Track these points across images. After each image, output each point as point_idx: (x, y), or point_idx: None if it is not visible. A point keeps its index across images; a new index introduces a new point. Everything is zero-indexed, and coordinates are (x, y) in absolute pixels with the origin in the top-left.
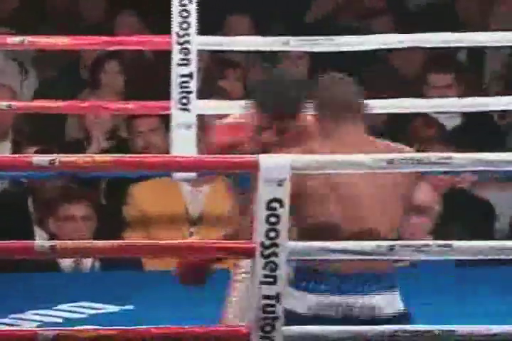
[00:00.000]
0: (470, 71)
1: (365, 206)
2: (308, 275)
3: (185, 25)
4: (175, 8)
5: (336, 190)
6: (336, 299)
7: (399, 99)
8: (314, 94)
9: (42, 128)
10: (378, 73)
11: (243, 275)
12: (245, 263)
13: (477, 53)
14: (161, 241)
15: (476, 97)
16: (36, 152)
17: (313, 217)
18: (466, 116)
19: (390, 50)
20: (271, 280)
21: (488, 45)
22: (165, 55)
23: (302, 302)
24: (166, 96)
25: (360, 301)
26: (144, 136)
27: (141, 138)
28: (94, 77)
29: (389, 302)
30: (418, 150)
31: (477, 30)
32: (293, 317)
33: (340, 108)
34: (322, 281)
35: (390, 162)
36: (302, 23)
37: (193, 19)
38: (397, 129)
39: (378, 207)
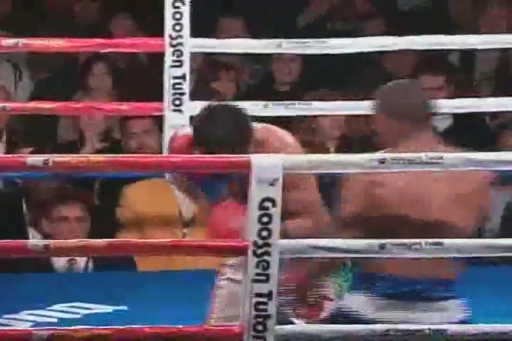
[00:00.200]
0: (461, 73)
1: (435, 207)
2: (368, 279)
3: (178, 27)
4: (168, 10)
5: (405, 196)
6: (396, 303)
7: None
8: (387, 101)
9: (35, 129)
10: (370, 76)
11: (225, 282)
12: (227, 270)
13: (468, 55)
14: (154, 240)
15: (467, 99)
16: (31, 153)
17: (385, 221)
18: (457, 117)
19: (382, 53)
20: (263, 278)
21: (479, 47)
22: (158, 57)
23: (364, 305)
24: (159, 97)
25: (419, 307)
26: (137, 138)
27: (134, 139)
28: (83, 79)
29: (450, 309)
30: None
31: (468, 33)
32: (356, 320)
33: (417, 115)
34: (382, 285)
35: (382, 161)
36: (294, 27)
37: (186, 21)
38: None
39: (451, 209)
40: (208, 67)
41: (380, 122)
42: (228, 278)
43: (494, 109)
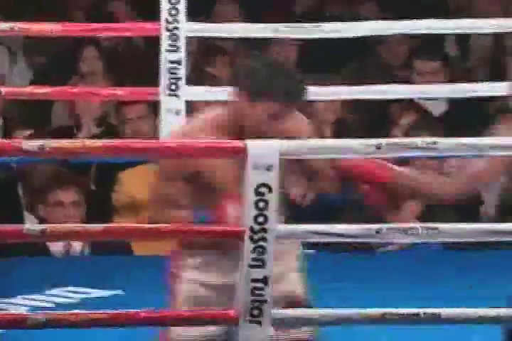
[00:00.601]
0: (456, 57)
1: None
2: None
3: (174, 12)
4: None
5: None
6: None
7: (386, 86)
8: None
9: (31, 114)
10: (366, 62)
11: (185, 285)
12: (187, 272)
13: (463, 40)
14: (150, 225)
15: (462, 83)
16: (29, 136)
17: None
18: (453, 102)
19: (377, 41)
20: (259, 263)
21: (472, 31)
22: (154, 42)
23: None
24: (155, 82)
25: None
26: (132, 124)
27: (129, 125)
28: (74, 64)
29: None
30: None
31: (464, 17)
32: None
33: None
34: None
35: (378, 147)
36: (291, 12)
37: (182, 6)
38: (376, 116)
39: None
40: (203, 52)
41: None
42: (190, 280)
43: (490, 94)
